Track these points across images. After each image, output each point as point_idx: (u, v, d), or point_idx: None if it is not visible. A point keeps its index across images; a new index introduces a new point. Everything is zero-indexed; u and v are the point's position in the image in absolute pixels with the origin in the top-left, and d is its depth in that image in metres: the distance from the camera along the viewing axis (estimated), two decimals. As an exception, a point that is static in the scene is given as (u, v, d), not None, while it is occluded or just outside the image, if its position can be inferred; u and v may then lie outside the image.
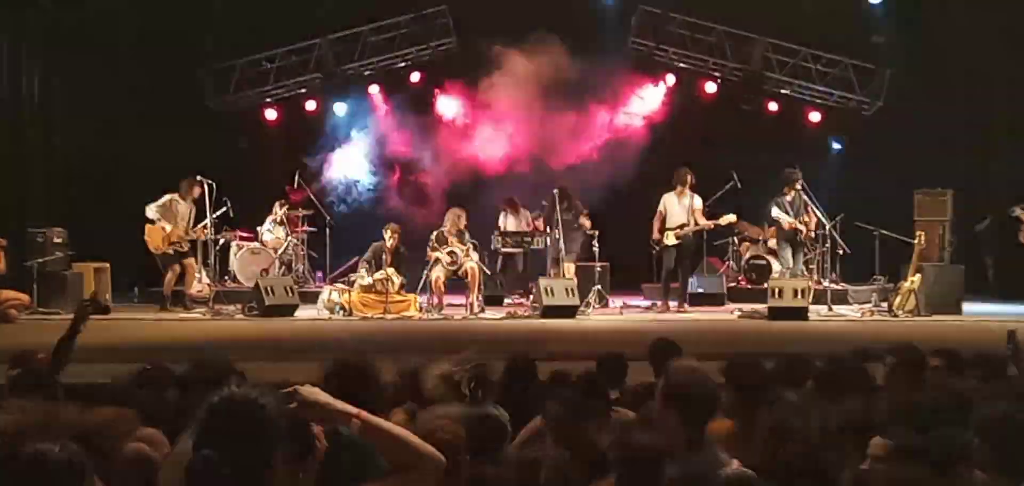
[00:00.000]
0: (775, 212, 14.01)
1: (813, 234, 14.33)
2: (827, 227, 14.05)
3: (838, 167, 15.83)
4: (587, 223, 14.51)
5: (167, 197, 13.78)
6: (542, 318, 12.94)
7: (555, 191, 14.25)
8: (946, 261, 13.89)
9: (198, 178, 13.80)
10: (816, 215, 13.97)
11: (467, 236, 13.94)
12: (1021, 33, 15.00)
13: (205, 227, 13.86)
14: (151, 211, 13.70)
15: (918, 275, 13.25)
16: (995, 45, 15.56)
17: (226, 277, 14.98)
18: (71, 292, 13.25)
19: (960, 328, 11.85)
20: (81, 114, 15.36)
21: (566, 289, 13.32)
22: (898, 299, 13.24)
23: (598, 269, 14.25)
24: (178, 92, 16.17)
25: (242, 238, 15.08)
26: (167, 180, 14.02)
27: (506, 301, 14.76)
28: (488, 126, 16.42)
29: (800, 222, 13.93)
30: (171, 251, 13.75)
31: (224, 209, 14.05)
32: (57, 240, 13.72)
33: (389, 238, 13.67)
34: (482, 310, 13.64)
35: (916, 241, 13.43)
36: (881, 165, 15.49)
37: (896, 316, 13.11)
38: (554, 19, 15.58)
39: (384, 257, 13.67)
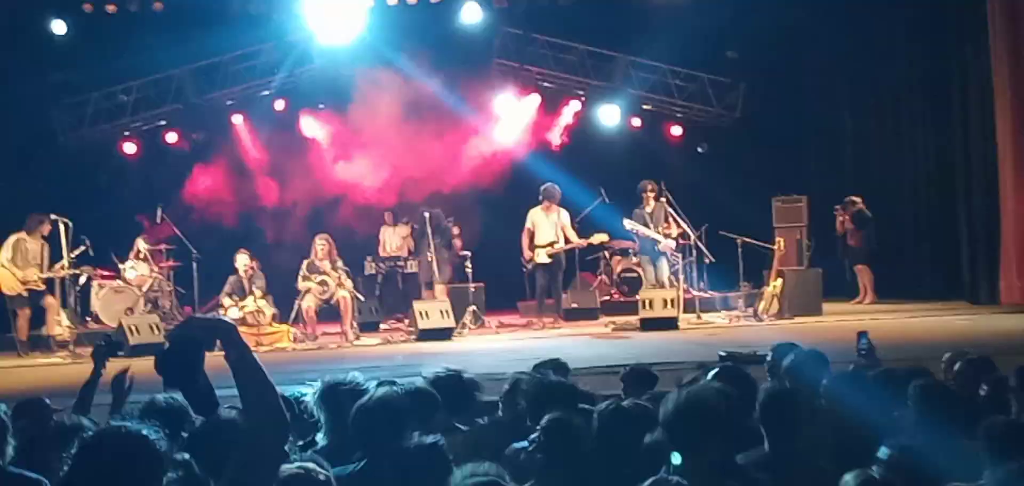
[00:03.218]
0: (627, 224, 14.33)
1: (675, 244, 14.71)
2: (692, 237, 14.45)
3: (700, 177, 16.27)
4: (458, 243, 14.57)
5: (14, 237, 13.20)
6: (418, 341, 12.89)
7: (425, 214, 14.25)
8: (805, 265, 14.45)
9: (50, 215, 13.27)
10: (682, 225, 14.34)
11: (340, 263, 13.80)
12: (867, 36, 15.80)
13: (62, 266, 13.35)
14: (2, 254, 13.11)
15: (780, 280, 13.76)
16: (844, 50, 16.37)
17: (88, 318, 14.41)
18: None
19: (819, 329, 12.33)
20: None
21: (441, 311, 13.32)
22: (762, 304, 13.70)
23: (472, 289, 14.28)
24: (27, 129, 15.50)
25: (103, 277, 14.53)
26: (19, 220, 13.44)
27: (381, 327, 14.65)
28: (354, 151, 16.28)
29: (660, 232, 14.27)
30: (25, 293, 13.18)
31: (82, 247, 13.53)
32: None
33: (241, 264, 13.48)
34: (357, 337, 13.51)
35: (776, 247, 13.95)
36: (741, 174, 16.03)
37: (761, 321, 13.56)
38: (419, 40, 15.58)
39: (245, 285, 13.45)
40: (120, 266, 14.69)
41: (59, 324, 13.48)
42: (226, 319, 2.96)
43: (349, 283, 13.75)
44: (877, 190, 15.56)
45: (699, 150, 17.33)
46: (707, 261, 14.78)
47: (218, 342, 2.81)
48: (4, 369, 12.23)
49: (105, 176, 16.68)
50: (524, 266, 14.36)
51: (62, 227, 13.28)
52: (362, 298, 14.41)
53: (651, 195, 14.40)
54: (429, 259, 14.19)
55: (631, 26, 16.50)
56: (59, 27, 15.43)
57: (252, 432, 2.84)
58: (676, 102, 17.19)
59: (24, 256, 13.19)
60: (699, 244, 14.51)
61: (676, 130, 17.64)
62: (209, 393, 2.76)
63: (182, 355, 2.74)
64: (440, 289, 14.19)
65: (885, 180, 16.00)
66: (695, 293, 14.62)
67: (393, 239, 15.95)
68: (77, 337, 13.11)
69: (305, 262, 13.66)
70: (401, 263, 15.21)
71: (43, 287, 13.35)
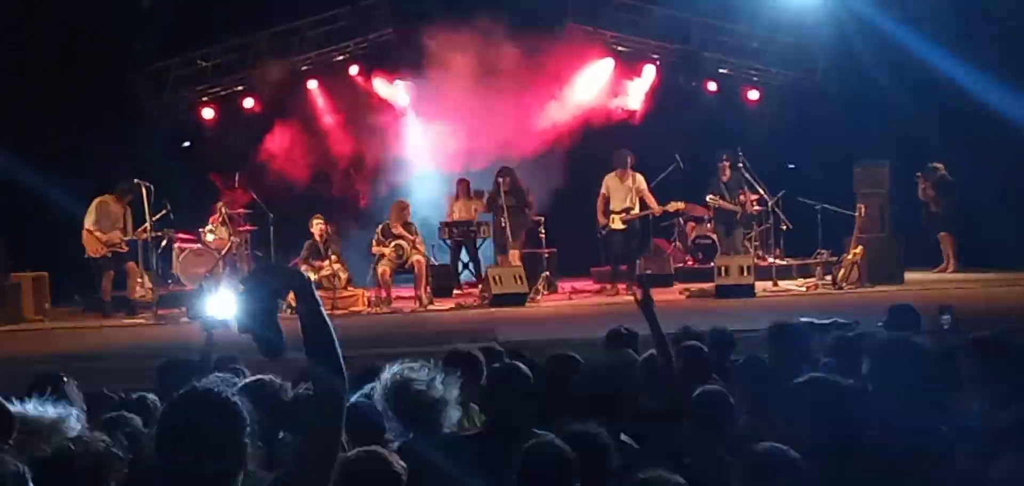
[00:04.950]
0: (710, 200, 14.20)
1: (754, 211, 14.54)
2: (769, 204, 14.23)
3: (779, 142, 15.98)
4: (532, 208, 14.53)
5: (98, 201, 13.56)
6: (491, 307, 12.92)
7: (499, 179, 14.24)
8: (887, 232, 14.13)
9: (134, 181, 13.57)
10: (759, 192, 14.14)
11: (414, 226, 13.88)
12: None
13: (145, 230, 13.65)
14: (88, 218, 13.46)
15: (860, 247, 13.48)
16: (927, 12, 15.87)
17: (169, 280, 14.71)
18: (9, 303, 13.06)
19: (900, 298, 12.03)
20: (12, 122, 14.97)
21: (515, 276, 13.32)
22: (842, 271, 13.45)
23: (545, 255, 14.25)
24: (111, 95, 15.84)
25: (183, 240, 14.81)
26: (103, 186, 13.78)
27: (454, 291, 14.71)
28: (428, 116, 16.31)
29: (736, 202, 14.08)
30: (109, 255, 13.52)
31: (163, 211, 13.80)
32: (-8, 251, 13.41)
33: (317, 229, 13.61)
34: (431, 302, 13.58)
35: (856, 213, 13.67)
36: (821, 139, 15.68)
37: (840, 288, 13.31)
38: (493, 4, 15.50)
39: (321, 249, 13.59)
40: (200, 229, 14.95)
41: (141, 286, 13.82)
42: (302, 271, 2.98)
43: (423, 247, 13.82)
44: (961, 155, 15.08)
45: (790, 167, 16.88)
46: (785, 228, 14.55)
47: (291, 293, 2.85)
48: (91, 329, 12.60)
49: (184, 141, 16.97)
50: (598, 232, 14.27)
51: (144, 191, 13.56)
52: (436, 262, 14.46)
53: (726, 165, 14.31)
54: (502, 224, 14.18)
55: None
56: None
57: (313, 399, 2.87)
58: (753, 65, 16.88)
59: (108, 219, 13.53)
60: (777, 210, 14.29)
61: (753, 94, 17.31)
62: (277, 336, 2.79)
63: (256, 299, 2.76)
64: (514, 254, 14.18)
65: (969, 145, 15.50)
66: (772, 260, 14.39)
67: (465, 211, 15.89)
68: (159, 299, 13.39)
69: (380, 227, 13.76)
70: (474, 229, 15.21)
71: (126, 250, 13.68)
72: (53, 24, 15.49)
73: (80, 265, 13.79)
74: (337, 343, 2.84)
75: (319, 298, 2.85)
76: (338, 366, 2.82)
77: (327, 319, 2.83)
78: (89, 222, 13.47)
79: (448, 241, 15.22)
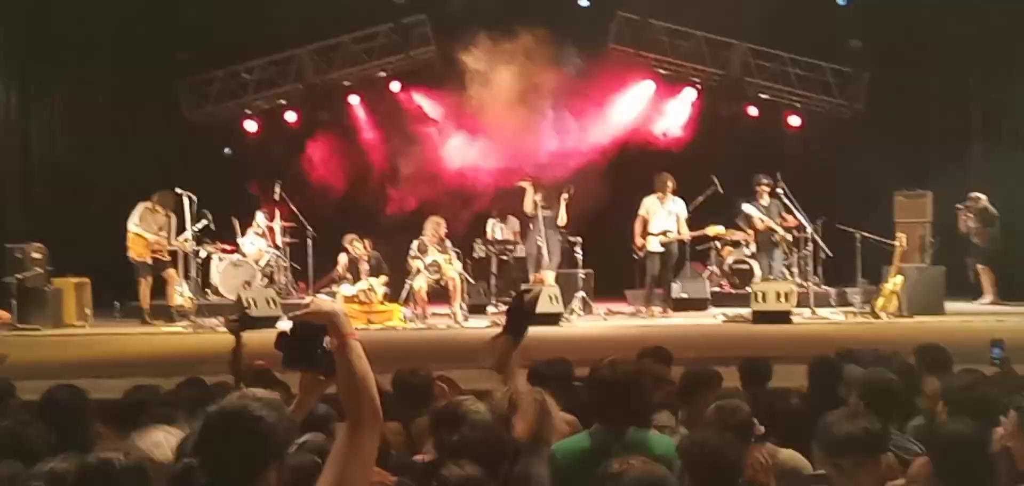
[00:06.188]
0: (746, 208, 14.12)
1: (792, 237, 14.46)
2: (808, 230, 14.14)
3: (819, 169, 15.89)
4: (568, 228, 14.51)
5: (142, 205, 13.74)
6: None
7: (534, 199, 14.25)
8: (927, 262, 13.97)
9: (176, 190, 13.75)
10: (797, 218, 14.06)
11: (449, 244, 13.92)
12: (996, 31, 15.16)
13: (186, 239, 13.81)
14: (133, 221, 13.66)
15: (900, 276, 13.34)
16: (970, 45, 15.73)
17: (207, 290, 14.86)
18: (51, 307, 13.24)
19: (942, 330, 11.90)
20: (58, 129, 15.27)
21: (550, 296, 13.28)
22: (881, 301, 13.30)
23: (581, 275, 14.24)
24: (155, 105, 16.10)
25: (223, 250, 14.96)
26: (145, 194, 13.96)
27: (489, 309, 14.71)
28: (467, 133, 16.36)
29: (775, 224, 14.04)
30: (151, 261, 13.68)
31: (204, 221, 13.96)
32: (36, 256, 13.58)
33: (354, 244, 13.70)
34: (466, 319, 13.61)
35: (897, 243, 13.53)
36: (862, 167, 15.55)
37: (879, 318, 13.17)
38: (534, 25, 15.54)
39: (358, 265, 13.67)
40: (239, 239, 15.10)
41: (180, 295, 13.95)
42: (336, 308, 3.02)
43: (458, 265, 13.86)
44: (1003, 187, 14.89)
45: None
46: (823, 255, 14.44)
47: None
48: (130, 336, 12.72)
49: (227, 152, 17.17)
50: (635, 254, 14.24)
51: (187, 201, 13.72)
52: (471, 280, 14.50)
53: (765, 189, 14.29)
54: (538, 244, 14.19)
55: (750, 13, 16.15)
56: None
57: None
58: (795, 91, 16.80)
59: (151, 225, 13.72)
60: (816, 237, 14.19)
61: (794, 120, 17.21)
62: (329, 364, 2.86)
63: (300, 339, 2.85)
64: (549, 274, 14.17)
65: (1011, 177, 15.30)
66: (810, 287, 14.27)
67: (503, 232, 15.87)
68: (197, 308, 13.52)
69: (416, 243, 13.81)
70: (511, 247, 15.22)
71: (169, 258, 13.86)
72: (101, 31, 15.77)
73: (119, 272, 13.96)
74: (370, 390, 2.87)
75: (352, 342, 2.89)
76: (374, 413, 2.86)
77: (353, 364, 2.86)
78: (134, 223, 13.66)
79: (488, 259, 15.23)
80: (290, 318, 2.96)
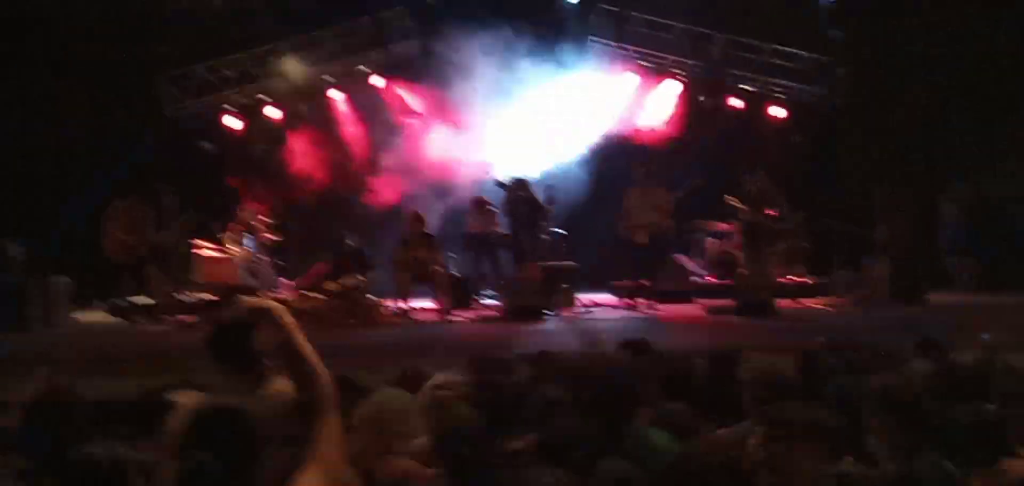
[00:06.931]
0: (728, 200, 14.17)
1: (776, 228, 14.47)
2: (792, 221, 14.16)
3: (801, 160, 15.92)
4: (550, 220, 14.49)
5: (122, 204, 13.64)
6: (510, 320, 12.89)
7: (516, 191, 14.22)
8: (907, 253, 14.02)
9: (158, 186, 13.65)
10: (780, 210, 14.08)
11: (432, 238, 13.87)
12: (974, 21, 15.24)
13: (166, 235, 13.71)
14: (110, 219, 13.56)
15: (882, 267, 13.39)
16: (949, 36, 15.79)
17: (189, 287, 14.73)
18: (32, 305, 13.11)
19: (926, 317, 11.94)
20: (36, 126, 15.11)
21: (534, 289, 13.28)
22: (862, 290, 13.34)
23: (565, 269, 14.20)
24: (135, 100, 15.96)
25: (204, 246, 14.85)
26: (126, 189, 13.87)
27: (473, 303, 14.67)
28: (448, 127, 16.33)
29: (760, 214, 14.05)
30: (132, 260, 13.58)
31: (185, 217, 13.86)
32: (12, 255, 13.46)
33: (336, 238, 13.68)
34: (449, 312, 13.56)
35: (877, 233, 13.59)
36: (843, 158, 15.62)
37: (862, 307, 13.21)
38: (514, 17, 15.52)
39: (341, 259, 13.61)
40: (220, 236, 14.99)
41: (161, 291, 13.84)
42: (270, 303, 3.01)
43: (441, 259, 13.81)
44: (982, 179, 14.97)
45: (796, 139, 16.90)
46: (805, 246, 14.47)
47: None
48: (111, 332, 12.63)
49: (207, 147, 17.06)
50: (618, 245, 14.23)
51: (167, 197, 13.62)
52: (456, 274, 14.46)
53: (748, 180, 14.25)
54: (520, 237, 14.16)
55: (731, 4, 16.17)
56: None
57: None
58: (777, 83, 16.82)
59: (131, 222, 13.60)
60: (800, 228, 14.22)
61: (777, 111, 17.23)
62: (257, 365, 2.86)
63: (228, 336, 2.84)
64: (533, 267, 14.13)
65: (991, 169, 15.40)
66: (793, 277, 14.31)
67: (484, 223, 15.82)
68: (178, 304, 13.42)
69: (400, 237, 13.76)
70: (493, 239, 15.17)
71: (147, 254, 13.75)
72: (78, 24, 15.61)
73: (100, 268, 13.86)
74: (314, 371, 2.87)
75: (290, 325, 2.88)
76: (323, 396, 2.86)
77: (299, 347, 2.85)
78: (111, 223, 13.55)
79: (470, 252, 15.19)
80: (220, 316, 2.93)
